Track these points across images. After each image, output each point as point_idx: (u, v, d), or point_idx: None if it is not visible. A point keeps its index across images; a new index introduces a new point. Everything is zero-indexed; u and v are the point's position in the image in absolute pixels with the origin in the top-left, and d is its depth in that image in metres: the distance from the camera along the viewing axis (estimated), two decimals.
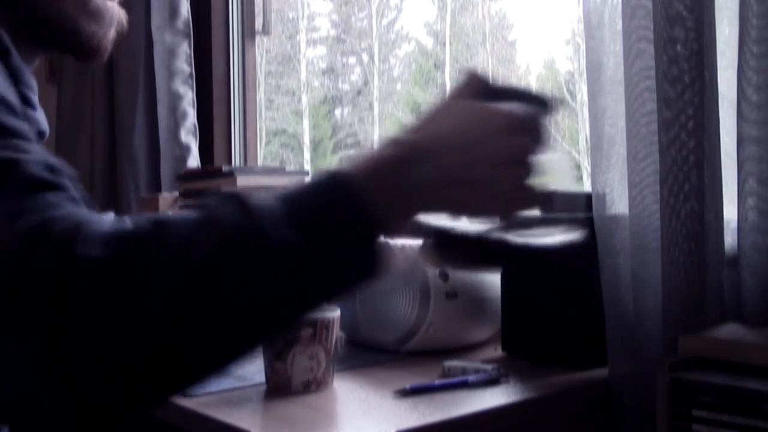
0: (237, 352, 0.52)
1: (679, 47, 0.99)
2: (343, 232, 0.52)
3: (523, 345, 1.14)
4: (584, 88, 1.21)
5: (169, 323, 0.46)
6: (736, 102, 0.99)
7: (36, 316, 0.44)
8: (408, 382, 0.96)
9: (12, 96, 0.56)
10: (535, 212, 0.74)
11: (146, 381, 0.47)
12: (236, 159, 2.25)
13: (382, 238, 0.54)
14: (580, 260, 1.00)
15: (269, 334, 0.54)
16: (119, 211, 2.11)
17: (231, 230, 0.49)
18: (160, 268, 0.46)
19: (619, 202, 1.05)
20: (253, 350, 0.53)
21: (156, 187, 2.09)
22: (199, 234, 0.49)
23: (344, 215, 0.52)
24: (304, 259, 0.50)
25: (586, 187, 2.14)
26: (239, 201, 0.51)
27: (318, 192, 0.53)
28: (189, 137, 2.09)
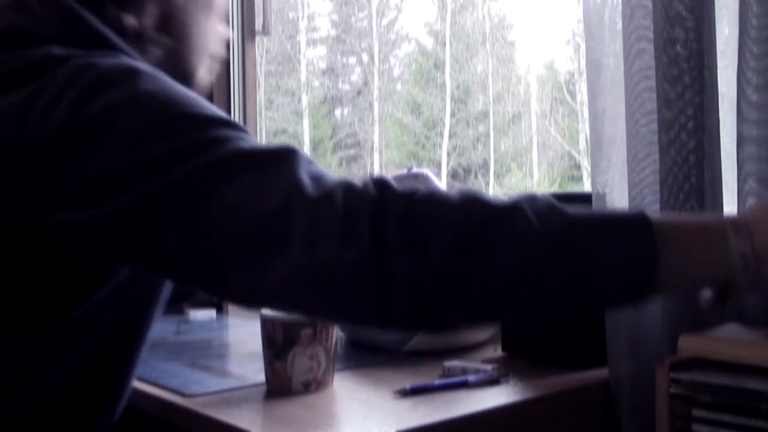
0: (509, 311, 0.65)
1: (679, 47, 0.99)
2: (631, 252, 0.63)
3: (523, 345, 1.14)
4: (584, 88, 1.22)
5: (451, 257, 0.61)
6: (736, 102, 0.99)
7: (365, 233, 0.61)
8: (408, 382, 0.96)
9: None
10: None
11: (429, 299, 0.62)
12: None
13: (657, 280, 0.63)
14: None
15: (539, 307, 0.64)
16: None
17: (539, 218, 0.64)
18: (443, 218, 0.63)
19: (619, 202, 1.05)
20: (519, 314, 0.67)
21: None
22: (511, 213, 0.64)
23: (635, 239, 0.63)
24: (595, 259, 0.62)
25: (586, 187, 2.13)
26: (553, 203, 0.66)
27: (622, 217, 0.65)
28: None
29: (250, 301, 0.69)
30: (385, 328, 0.68)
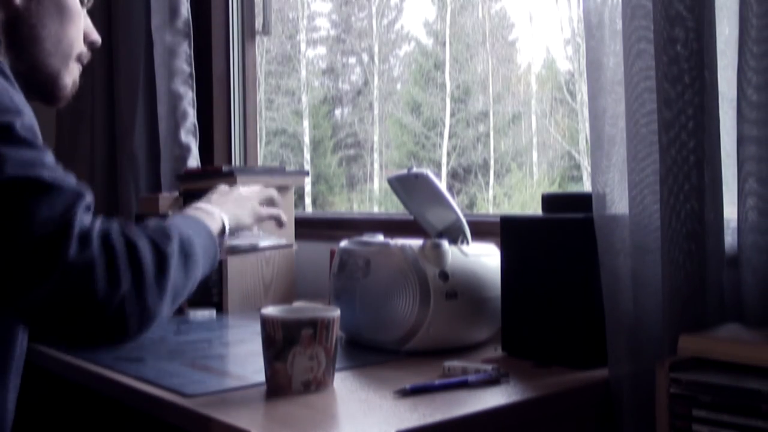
0: None
1: (679, 47, 0.99)
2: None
3: (523, 345, 1.14)
4: (584, 88, 1.21)
5: None
6: (736, 102, 0.99)
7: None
8: (408, 382, 0.96)
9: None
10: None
11: None
12: (236, 159, 2.25)
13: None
14: None
15: None
16: (119, 212, 2.11)
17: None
18: None
19: (619, 202, 1.05)
20: None
21: (156, 187, 2.08)
22: None
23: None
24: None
25: (586, 187, 2.14)
26: None
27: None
28: (189, 137, 2.09)
29: (11, 313, 0.79)
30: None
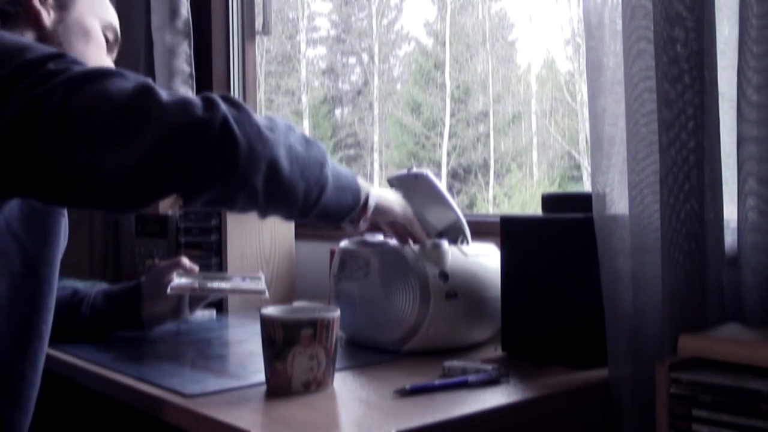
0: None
1: (679, 47, 0.99)
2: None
3: (523, 345, 1.15)
4: (584, 88, 1.21)
5: None
6: (736, 102, 0.99)
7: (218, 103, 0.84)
8: (408, 382, 0.96)
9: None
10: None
11: None
12: None
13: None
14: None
15: None
16: (119, 216, 2.10)
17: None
18: None
19: (619, 202, 1.05)
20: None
21: None
22: None
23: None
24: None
25: (586, 187, 2.13)
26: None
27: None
28: None
29: (120, 178, 0.78)
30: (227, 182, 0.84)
